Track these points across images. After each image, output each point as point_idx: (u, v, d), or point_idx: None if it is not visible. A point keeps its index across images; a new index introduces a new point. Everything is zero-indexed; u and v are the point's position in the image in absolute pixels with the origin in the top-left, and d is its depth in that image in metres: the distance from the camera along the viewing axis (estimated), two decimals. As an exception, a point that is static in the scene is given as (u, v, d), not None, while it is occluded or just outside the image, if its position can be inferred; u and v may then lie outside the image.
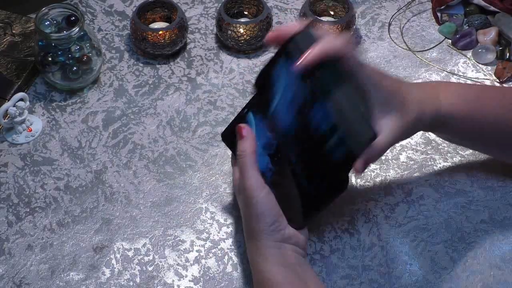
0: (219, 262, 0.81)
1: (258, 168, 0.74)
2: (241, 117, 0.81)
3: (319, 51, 0.70)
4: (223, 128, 0.84)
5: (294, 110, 0.74)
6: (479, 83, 0.97)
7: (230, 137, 0.81)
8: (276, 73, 0.75)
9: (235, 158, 0.78)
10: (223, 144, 0.85)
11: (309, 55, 0.70)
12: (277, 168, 0.76)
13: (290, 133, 0.74)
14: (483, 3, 1.04)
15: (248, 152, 0.74)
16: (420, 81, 0.99)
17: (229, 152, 0.86)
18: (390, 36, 1.04)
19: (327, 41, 0.70)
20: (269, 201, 0.73)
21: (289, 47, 0.73)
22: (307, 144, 0.73)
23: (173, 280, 0.80)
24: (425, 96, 0.76)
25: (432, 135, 0.92)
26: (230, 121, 0.83)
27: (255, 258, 0.74)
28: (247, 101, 0.81)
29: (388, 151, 0.88)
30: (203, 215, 0.85)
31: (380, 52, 1.02)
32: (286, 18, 1.06)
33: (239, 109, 0.95)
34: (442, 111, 0.76)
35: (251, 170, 0.73)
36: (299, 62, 0.70)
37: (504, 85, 0.98)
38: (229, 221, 0.85)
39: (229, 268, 0.81)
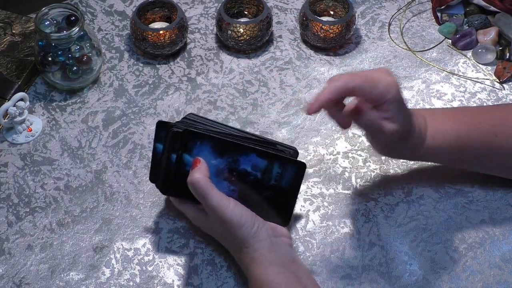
0: (219, 262, 0.81)
1: (214, 187, 0.74)
2: (171, 162, 0.77)
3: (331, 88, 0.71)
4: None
5: (223, 178, 0.77)
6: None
7: (166, 185, 0.79)
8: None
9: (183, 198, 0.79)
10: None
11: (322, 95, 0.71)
12: (238, 186, 0.77)
13: (234, 196, 0.77)
14: (483, 3, 1.04)
15: (201, 178, 0.74)
16: (419, 81, 0.99)
17: None
18: (390, 36, 1.04)
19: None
20: (240, 209, 0.74)
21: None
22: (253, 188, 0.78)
23: (173, 280, 0.80)
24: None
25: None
26: (229, 123, 0.82)
27: (248, 265, 0.75)
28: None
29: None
30: (203, 215, 0.85)
31: (380, 52, 1.02)
32: (286, 18, 1.06)
33: (239, 109, 0.96)
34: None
35: (210, 190, 0.74)
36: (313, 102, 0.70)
37: (504, 85, 0.98)
38: (229, 221, 0.85)
39: (229, 268, 0.81)
